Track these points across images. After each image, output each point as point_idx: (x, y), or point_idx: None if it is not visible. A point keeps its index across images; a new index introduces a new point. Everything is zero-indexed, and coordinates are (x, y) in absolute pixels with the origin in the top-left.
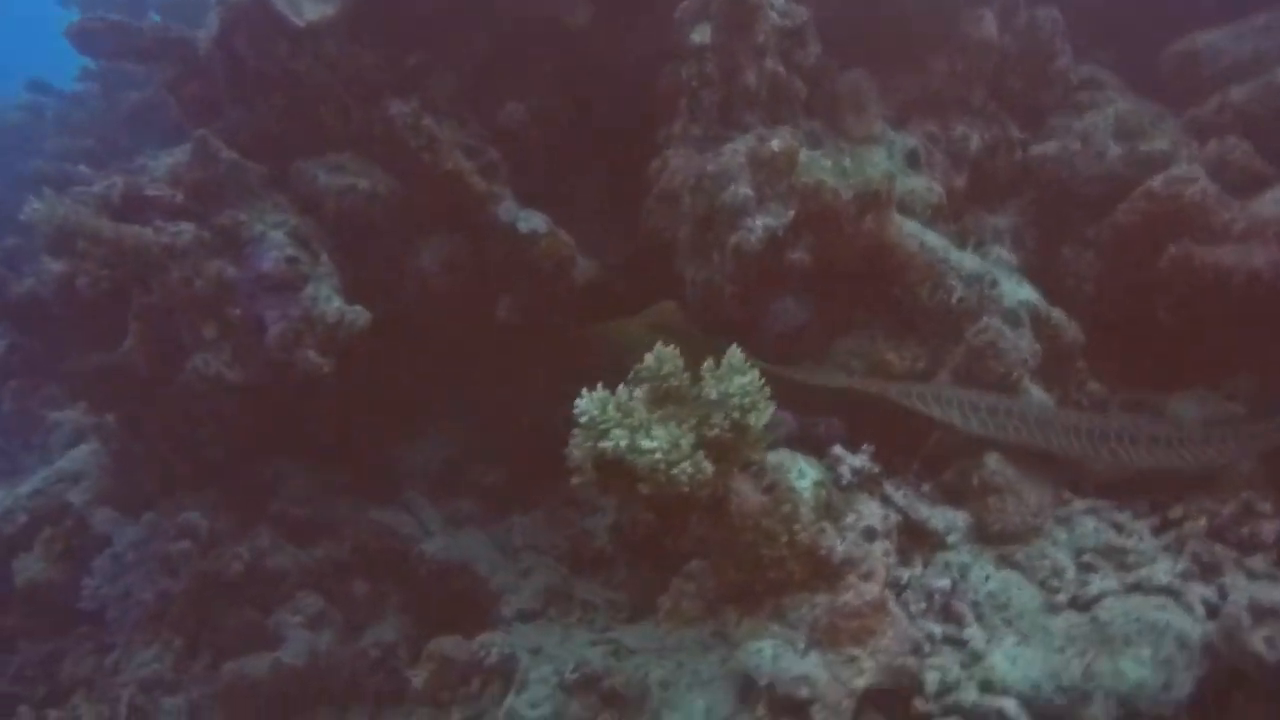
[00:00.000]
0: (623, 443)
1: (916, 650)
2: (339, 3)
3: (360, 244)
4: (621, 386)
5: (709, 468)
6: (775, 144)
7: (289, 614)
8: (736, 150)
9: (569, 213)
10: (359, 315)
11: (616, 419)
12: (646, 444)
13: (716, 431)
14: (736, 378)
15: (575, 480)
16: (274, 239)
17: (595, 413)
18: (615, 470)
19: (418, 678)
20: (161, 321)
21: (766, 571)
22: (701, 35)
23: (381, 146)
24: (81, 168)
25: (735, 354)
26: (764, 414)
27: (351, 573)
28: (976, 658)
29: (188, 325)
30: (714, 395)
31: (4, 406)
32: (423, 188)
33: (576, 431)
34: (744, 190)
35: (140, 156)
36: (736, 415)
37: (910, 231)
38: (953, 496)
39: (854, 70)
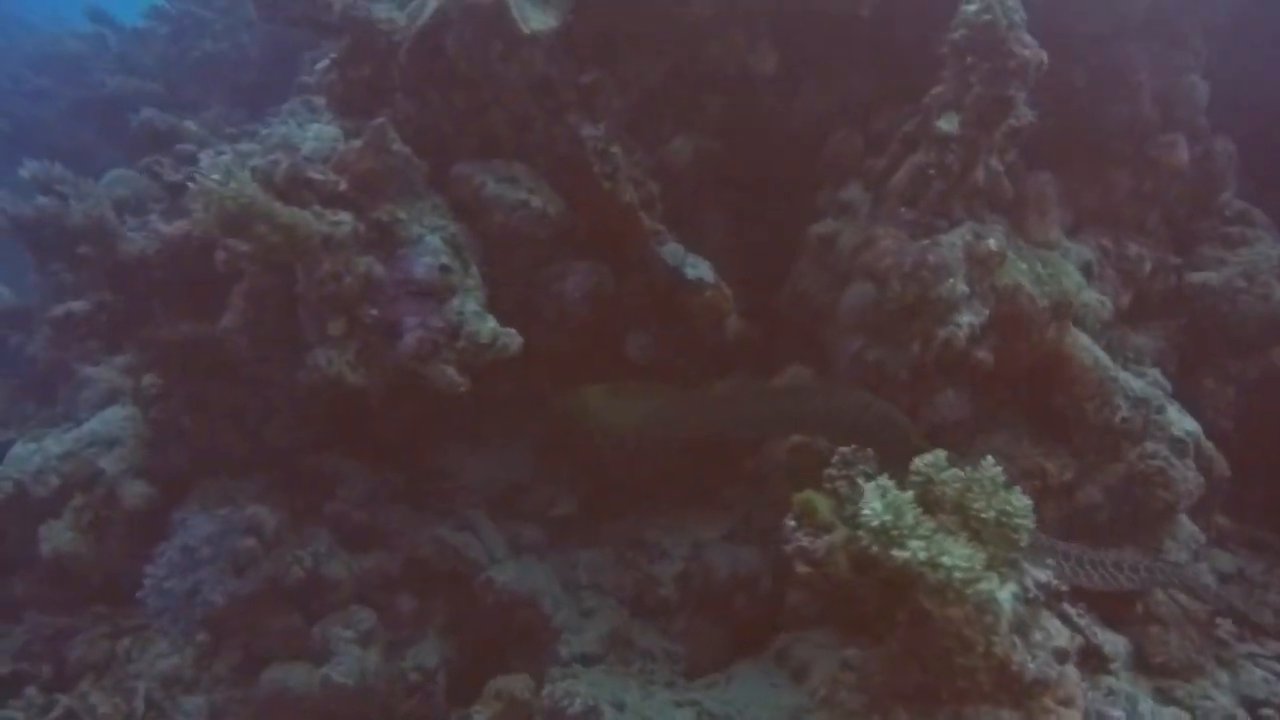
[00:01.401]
0: (921, 555)
1: None
2: (559, 16)
3: (505, 259)
4: (892, 489)
5: (995, 589)
6: (992, 243)
7: (340, 627)
8: (954, 244)
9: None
10: (512, 340)
11: (913, 528)
12: (948, 561)
13: (992, 550)
14: (1011, 496)
15: (803, 569)
16: (430, 244)
17: (890, 519)
18: (875, 572)
19: (479, 715)
20: (281, 307)
21: (955, 679)
22: (950, 124)
23: (561, 165)
24: (189, 123)
25: (993, 470)
26: (1028, 534)
27: (399, 587)
28: None
29: (314, 318)
30: (990, 514)
31: (39, 354)
32: (589, 214)
33: (862, 533)
34: (962, 286)
35: (206, 110)
36: (1010, 534)
37: (1085, 345)
38: (1111, 620)
39: (1041, 173)
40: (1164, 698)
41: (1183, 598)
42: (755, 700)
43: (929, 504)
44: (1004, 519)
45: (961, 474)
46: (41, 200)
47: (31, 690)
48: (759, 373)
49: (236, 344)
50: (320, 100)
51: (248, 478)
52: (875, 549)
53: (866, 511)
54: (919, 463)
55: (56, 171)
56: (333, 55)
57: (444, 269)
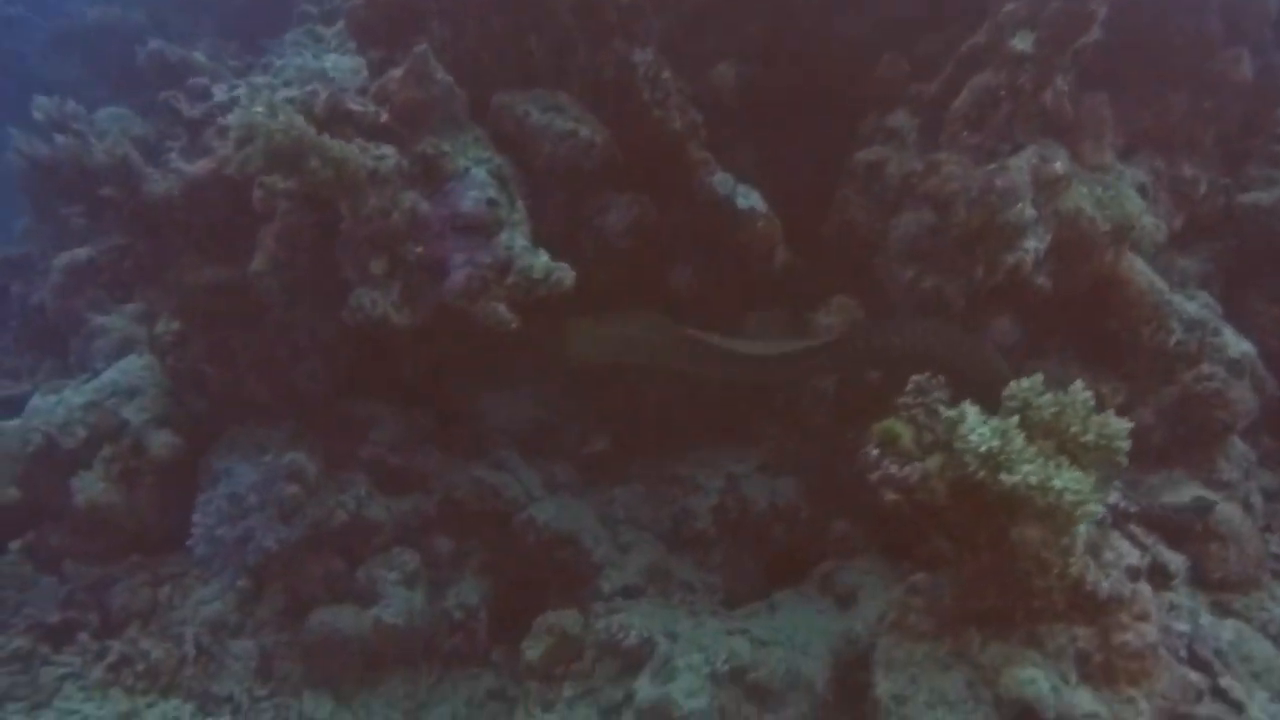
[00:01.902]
0: (1032, 479)
1: (1186, 697)
2: None
3: (546, 191)
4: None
5: (1099, 510)
6: (1059, 166)
7: (384, 569)
8: (1021, 168)
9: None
10: (566, 274)
11: (1020, 453)
12: (1058, 484)
13: (1094, 473)
14: (1110, 420)
15: (893, 496)
16: (477, 177)
17: (997, 444)
18: (978, 498)
19: (532, 650)
20: (314, 248)
21: (1032, 600)
22: (1024, 42)
23: (606, 92)
24: (198, 55)
25: (1083, 393)
26: (1121, 455)
27: (436, 528)
28: (1239, 709)
29: (355, 257)
30: (1090, 437)
31: (49, 302)
32: (635, 143)
33: (967, 458)
34: (1030, 211)
35: (198, 41)
36: (1111, 456)
37: (1141, 269)
38: (1172, 538)
39: (1097, 94)
40: (1222, 611)
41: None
42: (803, 626)
43: (1025, 429)
44: (1103, 441)
45: (1054, 398)
46: (59, 139)
47: (84, 637)
48: (805, 303)
49: (266, 287)
50: (326, 30)
51: (275, 425)
52: (982, 474)
53: (973, 437)
54: (1015, 387)
55: (70, 108)
56: None
57: (491, 203)
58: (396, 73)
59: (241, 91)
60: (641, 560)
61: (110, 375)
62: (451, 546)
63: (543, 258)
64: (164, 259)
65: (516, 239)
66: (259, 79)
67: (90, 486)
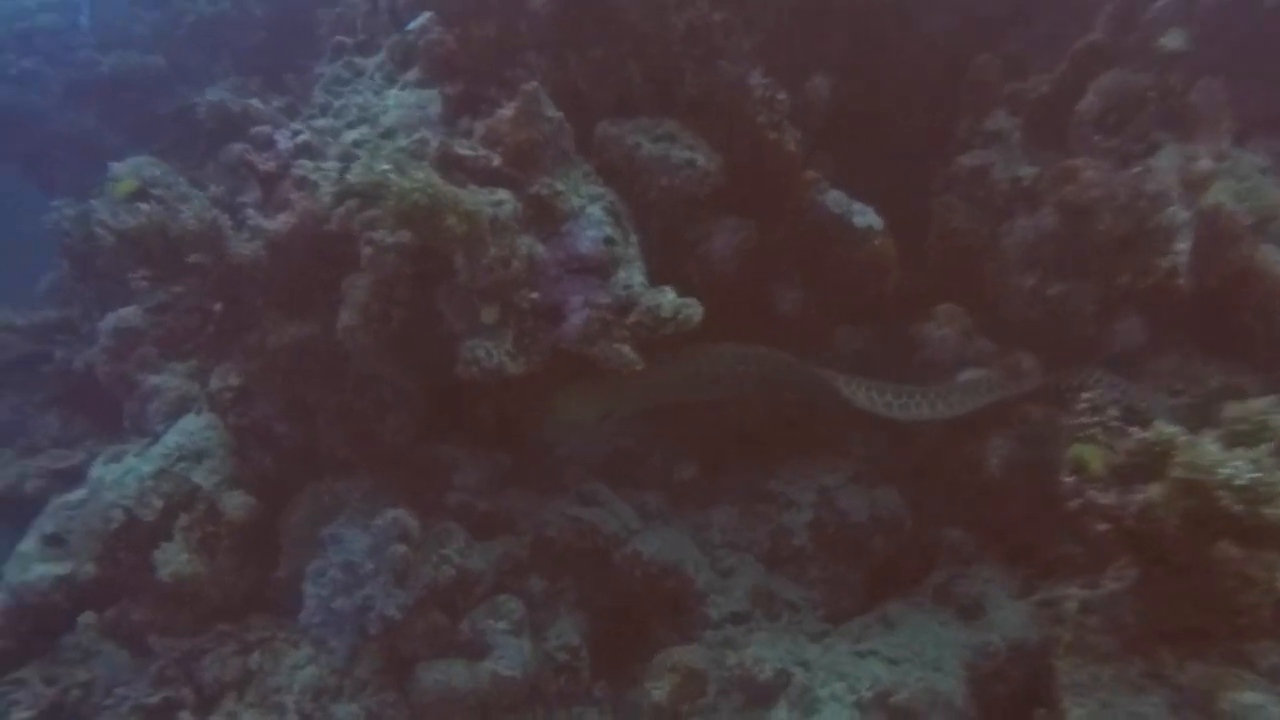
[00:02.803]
0: None
1: None
2: None
3: (646, 218)
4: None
5: None
6: (1204, 164)
7: (492, 619)
8: (1166, 169)
9: None
10: (694, 311)
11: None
12: None
13: None
14: None
15: (1102, 525)
16: (593, 215)
17: (1259, 476)
18: (1223, 526)
19: (658, 690)
20: (410, 299)
21: (1236, 617)
22: (1175, 41)
23: (718, 116)
24: (255, 103)
25: None
26: None
27: (528, 569)
28: None
29: (463, 306)
30: None
31: (99, 365)
32: (743, 165)
33: (1222, 493)
34: (1182, 214)
35: (221, 80)
36: None
37: (1276, 258)
38: None
39: (1208, 79)
40: None
41: None
42: (930, 641)
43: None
44: None
45: None
46: (143, 207)
47: (185, 715)
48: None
49: (357, 341)
50: (364, 60)
51: (353, 478)
52: (1238, 508)
53: (1227, 470)
54: (1253, 406)
55: (150, 173)
56: (431, 13)
57: (609, 241)
58: (506, 113)
59: (307, 137)
60: (745, 584)
61: (173, 439)
62: (544, 586)
63: (670, 295)
64: (244, 320)
65: (635, 276)
66: (321, 122)
67: (173, 558)
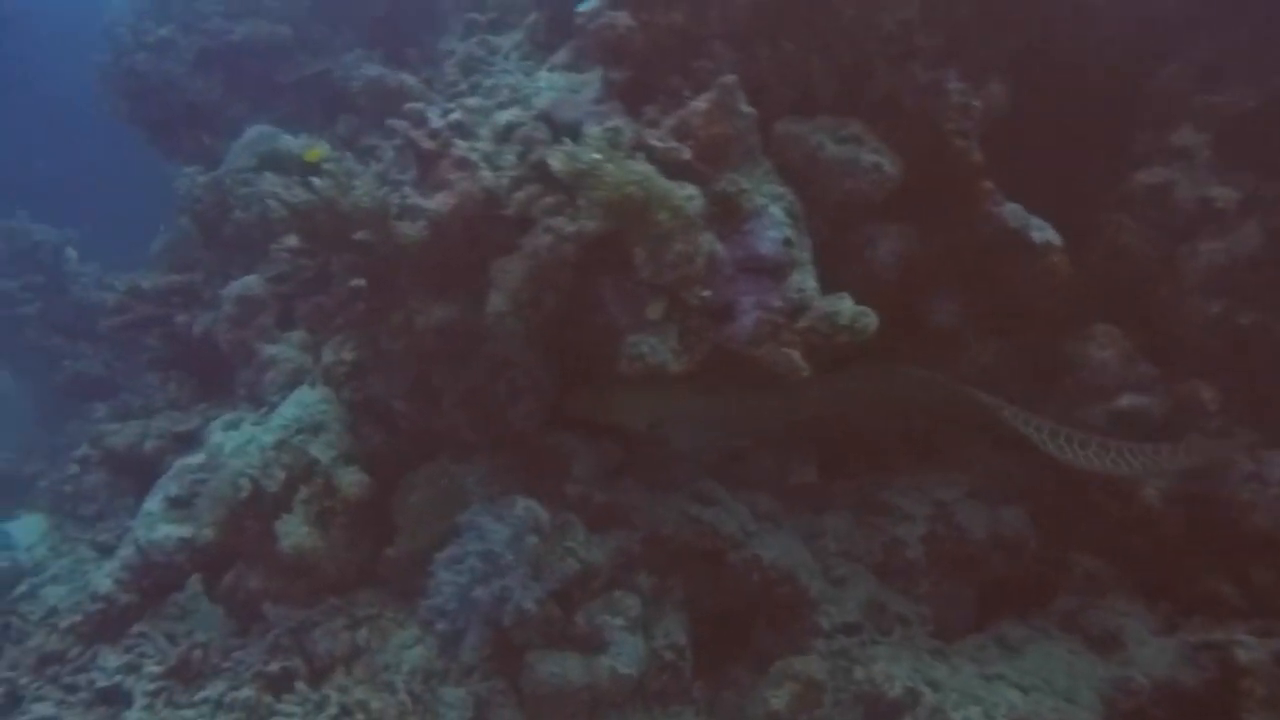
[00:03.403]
0: None
1: None
2: None
3: (815, 221)
4: None
5: None
6: None
7: (608, 614)
8: None
9: None
10: (871, 321)
11: None
12: None
13: None
14: None
15: None
16: (775, 216)
17: None
18: None
19: (776, 698)
20: (566, 289)
21: None
22: None
23: (904, 120)
24: (405, 77)
25: None
26: None
27: (639, 565)
28: None
29: (628, 301)
30: None
31: (221, 333)
32: (922, 172)
33: None
34: None
35: (346, 53)
36: None
37: None
38: None
39: None
40: None
41: None
42: (1060, 670)
43: None
44: None
45: None
46: (317, 182)
47: (301, 686)
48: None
49: (506, 327)
50: (500, 40)
51: (466, 461)
52: None
53: None
54: None
55: (324, 147)
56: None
57: (787, 243)
58: (699, 105)
59: (459, 116)
60: (858, 595)
61: (290, 410)
62: (651, 583)
63: (848, 303)
64: (393, 300)
65: (808, 280)
66: (472, 101)
67: (294, 530)
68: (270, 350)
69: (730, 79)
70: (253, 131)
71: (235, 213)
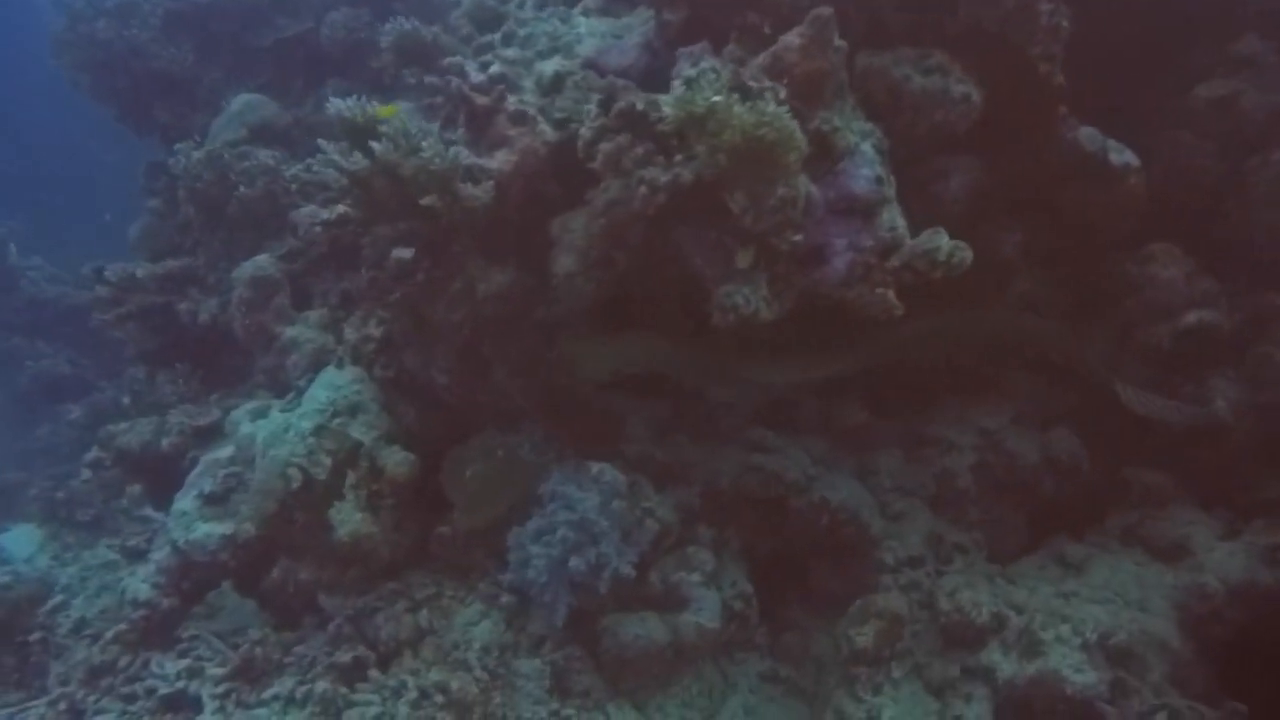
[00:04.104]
0: None
1: None
2: None
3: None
4: None
5: None
6: None
7: (684, 571)
8: None
9: None
10: (967, 255)
11: None
12: None
13: None
14: None
15: None
16: (866, 153)
17: None
18: None
19: (862, 636)
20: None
21: None
22: None
23: (986, 45)
24: (440, 32)
25: None
26: None
27: (700, 519)
28: None
29: (712, 250)
30: None
31: (236, 318)
32: (1003, 101)
33: None
34: None
35: (334, 11)
36: None
37: None
38: None
39: None
40: None
41: None
42: (1130, 582)
43: None
44: None
45: None
46: (377, 146)
47: (375, 673)
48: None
49: (574, 288)
50: None
51: (516, 430)
52: None
53: None
54: None
55: (371, 109)
56: None
57: (878, 181)
58: (794, 41)
59: (499, 68)
60: (918, 528)
61: (323, 393)
62: (712, 535)
63: (944, 238)
64: (449, 268)
65: (897, 218)
66: (510, 52)
67: (349, 518)
68: (290, 332)
69: (826, 11)
70: (239, 101)
71: (239, 189)
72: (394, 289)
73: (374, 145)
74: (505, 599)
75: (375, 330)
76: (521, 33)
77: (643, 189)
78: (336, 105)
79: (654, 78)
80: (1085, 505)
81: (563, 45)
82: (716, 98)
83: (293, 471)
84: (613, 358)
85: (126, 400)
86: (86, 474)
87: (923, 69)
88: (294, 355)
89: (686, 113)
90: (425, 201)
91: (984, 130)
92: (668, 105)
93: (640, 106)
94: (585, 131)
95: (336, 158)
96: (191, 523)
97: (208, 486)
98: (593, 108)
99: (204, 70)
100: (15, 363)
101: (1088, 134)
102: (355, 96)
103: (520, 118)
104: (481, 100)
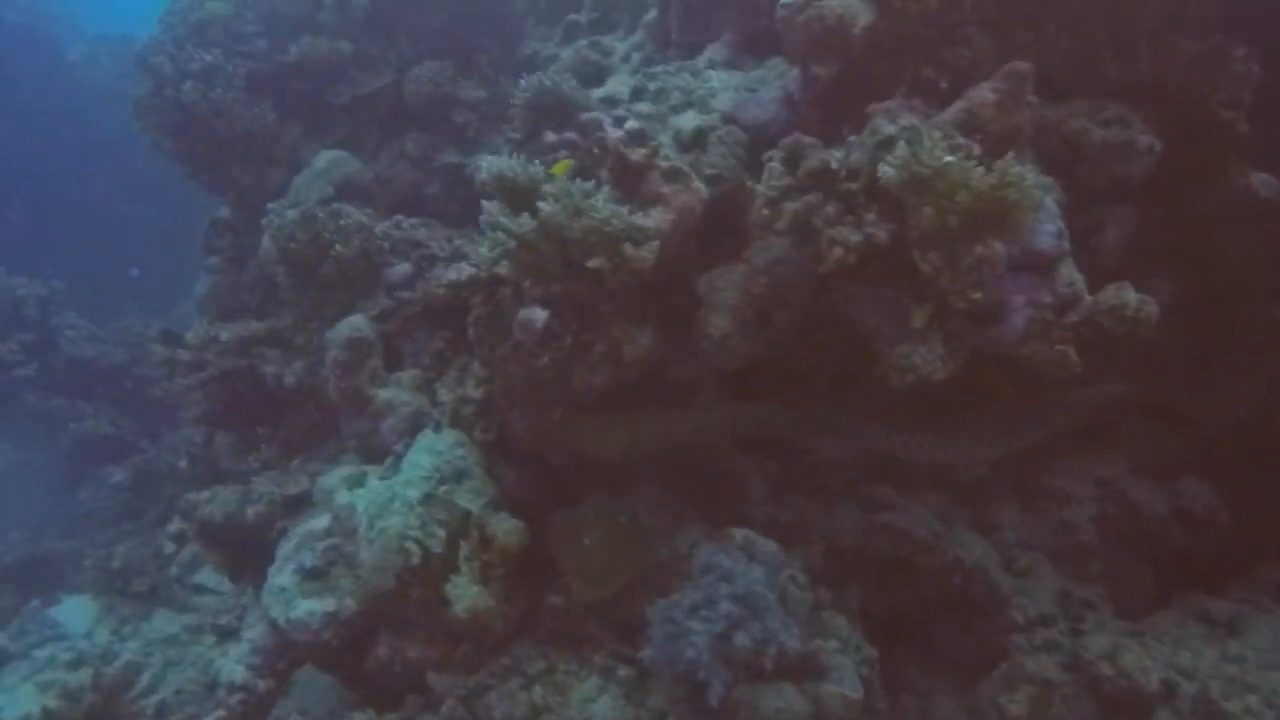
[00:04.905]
0: None
1: None
2: None
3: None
4: None
5: None
6: None
7: (819, 637)
8: None
9: None
10: (1153, 310)
11: None
12: None
13: None
14: None
15: None
16: (1050, 208)
17: None
18: None
19: (1015, 704)
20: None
21: None
22: None
23: (1163, 95)
24: (575, 86)
25: None
26: None
27: (821, 580)
28: None
29: (886, 308)
30: None
31: (334, 383)
32: (1173, 149)
33: None
34: None
35: (417, 66)
36: None
37: None
38: None
39: None
40: None
41: None
42: None
43: None
44: None
45: None
46: (543, 206)
47: None
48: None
49: (730, 349)
50: (615, 41)
51: (630, 492)
52: None
53: None
54: None
55: (537, 171)
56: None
57: (1059, 235)
58: (988, 96)
59: (635, 124)
60: (1047, 584)
61: (425, 459)
62: (831, 596)
63: (1131, 292)
64: (599, 330)
65: (1074, 273)
66: (643, 107)
67: (465, 592)
68: (383, 394)
69: (1024, 65)
70: (323, 158)
71: (335, 248)
72: (540, 353)
73: (541, 206)
74: (623, 672)
75: (474, 391)
76: (652, 87)
77: (837, 249)
78: (496, 165)
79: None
80: (1217, 558)
81: (697, 99)
82: (949, 158)
83: (410, 545)
84: (626, 438)
85: (183, 464)
86: (170, 547)
87: (1100, 121)
88: (390, 419)
89: (911, 173)
90: (593, 264)
91: (1166, 182)
92: (891, 165)
93: (834, 165)
94: (765, 189)
95: (503, 220)
96: (291, 599)
97: (308, 561)
98: (776, 165)
99: (283, 129)
100: (57, 424)
101: (1263, 180)
102: (509, 155)
103: (675, 174)
104: (635, 156)
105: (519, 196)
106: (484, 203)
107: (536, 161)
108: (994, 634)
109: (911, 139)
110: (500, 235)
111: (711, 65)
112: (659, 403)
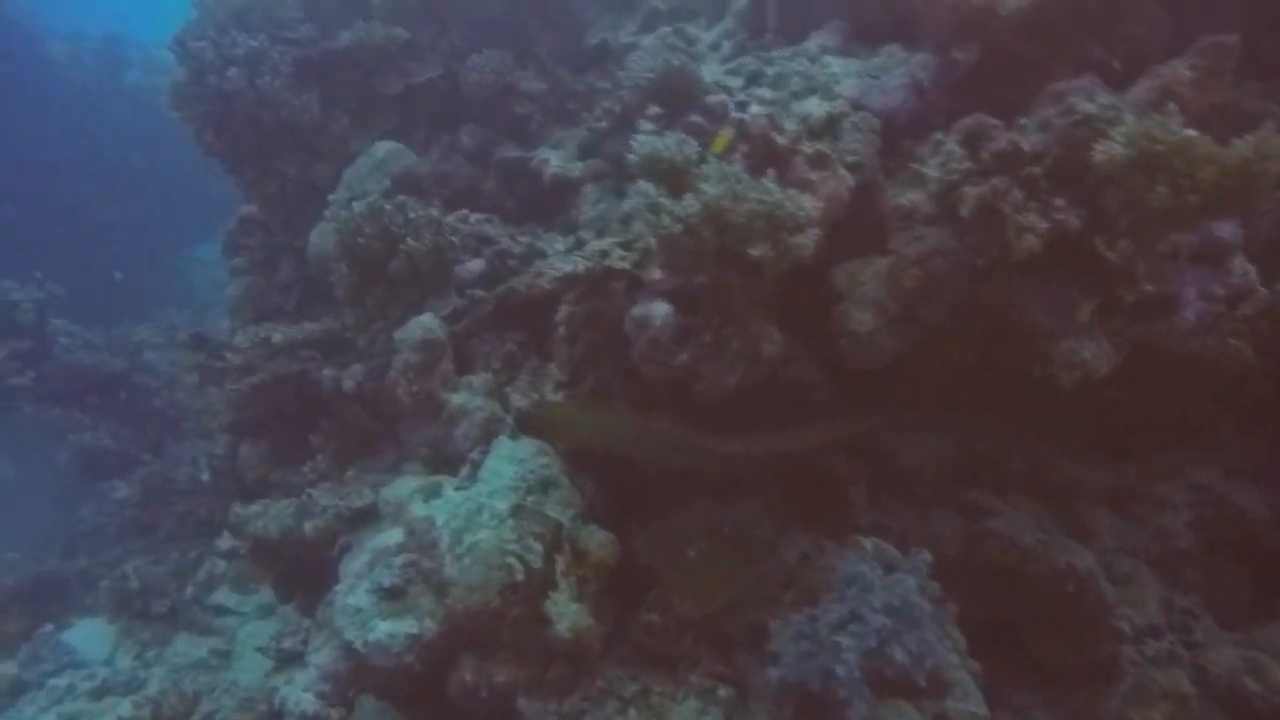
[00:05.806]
0: None
1: None
2: None
3: None
4: None
5: None
6: None
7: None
8: None
9: None
10: None
11: None
12: None
13: None
14: None
15: None
16: None
17: None
18: None
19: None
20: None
21: None
22: None
23: None
24: (689, 67)
25: None
26: None
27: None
28: None
29: (1052, 303)
30: None
31: (403, 388)
32: None
33: None
34: None
35: (475, 55)
36: None
37: None
38: None
39: None
40: None
41: None
42: None
43: None
44: None
45: None
46: (709, 189)
47: None
48: None
49: (874, 346)
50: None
51: (732, 501)
52: None
53: None
54: None
55: (691, 150)
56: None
57: (1237, 222)
58: (1184, 73)
59: (761, 110)
60: (1153, 592)
61: (508, 469)
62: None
63: None
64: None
65: (1246, 263)
66: (763, 92)
67: (566, 610)
68: (456, 399)
69: (1230, 39)
70: (381, 149)
71: (406, 241)
72: (675, 351)
73: (705, 188)
74: (723, 692)
75: (555, 396)
76: (770, 71)
77: (1028, 237)
78: (648, 143)
79: (923, 120)
80: None
81: (819, 85)
82: (1189, 131)
83: (512, 560)
84: (592, 429)
85: (205, 476)
86: (222, 565)
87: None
88: (463, 424)
89: (1140, 150)
90: (755, 252)
91: None
92: (1117, 142)
93: (1025, 147)
94: (944, 174)
95: (664, 202)
96: (369, 620)
97: (385, 579)
98: (954, 148)
99: (330, 120)
100: (55, 436)
101: None
102: (662, 133)
103: (821, 160)
104: (781, 140)
105: (670, 179)
106: (640, 183)
107: (689, 139)
108: (1099, 644)
109: (1137, 115)
110: (665, 219)
111: (825, 51)
112: (776, 405)
